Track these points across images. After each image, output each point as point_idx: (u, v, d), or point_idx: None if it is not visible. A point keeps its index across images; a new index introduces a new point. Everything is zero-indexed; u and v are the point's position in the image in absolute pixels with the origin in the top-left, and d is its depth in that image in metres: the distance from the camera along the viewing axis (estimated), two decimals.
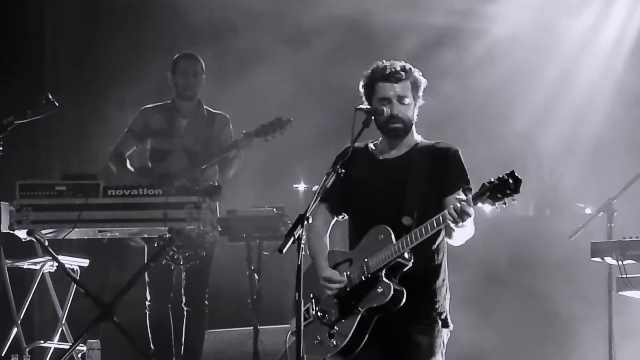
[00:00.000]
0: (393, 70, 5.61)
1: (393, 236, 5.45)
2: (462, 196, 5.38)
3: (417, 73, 5.66)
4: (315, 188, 5.53)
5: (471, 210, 5.25)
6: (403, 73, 5.61)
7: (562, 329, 9.45)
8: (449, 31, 10.05)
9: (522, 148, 9.78)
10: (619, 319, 8.34)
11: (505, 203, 5.21)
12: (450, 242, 5.58)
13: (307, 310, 5.61)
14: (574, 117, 9.98)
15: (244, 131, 8.39)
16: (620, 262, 7.81)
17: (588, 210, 8.94)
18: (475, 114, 9.91)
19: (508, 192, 5.18)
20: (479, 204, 5.26)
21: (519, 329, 9.55)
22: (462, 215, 5.24)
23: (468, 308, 8.49)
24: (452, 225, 5.30)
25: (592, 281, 8.89)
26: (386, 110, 5.58)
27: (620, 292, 8.03)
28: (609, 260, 7.92)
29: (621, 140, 9.79)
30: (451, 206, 5.27)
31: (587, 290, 9.09)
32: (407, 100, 5.60)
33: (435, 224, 5.35)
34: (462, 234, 5.46)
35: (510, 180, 5.18)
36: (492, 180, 5.23)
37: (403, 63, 5.67)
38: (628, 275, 7.83)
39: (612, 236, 8.26)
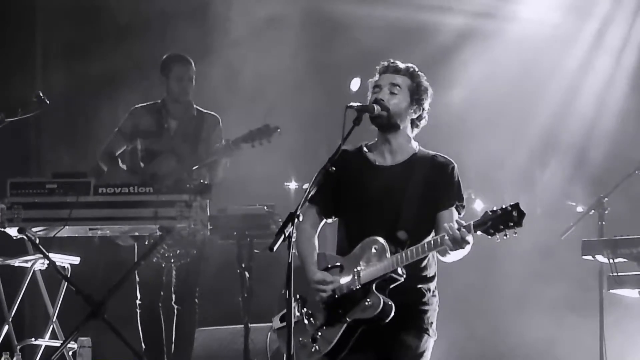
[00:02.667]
0: (391, 62, 5.61)
1: (388, 250, 5.39)
2: (457, 214, 5.39)
3: (422, 78, 5.61)
4: (306, 186, 5.50)
5: (470, 238, 5.19)
6: (402, 67, 5.58)
7: (552, 326, 9.45)
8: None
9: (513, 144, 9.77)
10: (610, 317, 8.37)
11: (506, 235, 5.12)
12: (443, 259, 5.52)
13: None
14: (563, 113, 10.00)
15: (233, 138, 8.30)
16: (611, 260, 7.83)
17: (579, 209, 8.93)
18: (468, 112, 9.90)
19: (510, 224, 5.09)
20: (479, 232, 5.17)
21: (505, 329, 9.56)
22: (461, 242, 5.19)
23: (457, 310, 8.51)
24: (448, 249, 5.25)
25: (582, 279, 8.91)
26: (373, 96, 5.54)
27: (611, 290, 8.04)
28: (600, 258, 7.94)
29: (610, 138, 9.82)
30: (450, 232, 5.18)
31: (578, 288, 9.10)
32: (398, 91, 5.52)
33: (432, 245, 5.30)
34: (456, 255, 5.39)
35: (514, 213, 5.08)
36: (495, 209, 5.14)
37: (410, 64, 5.63)
38: (619, 274, 7.85)
39: (603, 234, 8.27)
